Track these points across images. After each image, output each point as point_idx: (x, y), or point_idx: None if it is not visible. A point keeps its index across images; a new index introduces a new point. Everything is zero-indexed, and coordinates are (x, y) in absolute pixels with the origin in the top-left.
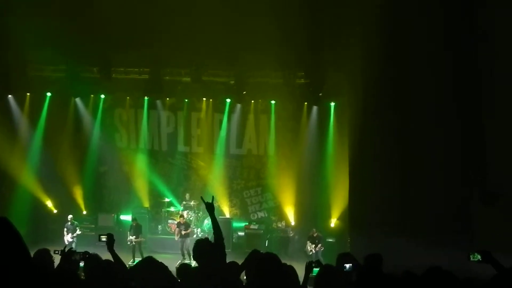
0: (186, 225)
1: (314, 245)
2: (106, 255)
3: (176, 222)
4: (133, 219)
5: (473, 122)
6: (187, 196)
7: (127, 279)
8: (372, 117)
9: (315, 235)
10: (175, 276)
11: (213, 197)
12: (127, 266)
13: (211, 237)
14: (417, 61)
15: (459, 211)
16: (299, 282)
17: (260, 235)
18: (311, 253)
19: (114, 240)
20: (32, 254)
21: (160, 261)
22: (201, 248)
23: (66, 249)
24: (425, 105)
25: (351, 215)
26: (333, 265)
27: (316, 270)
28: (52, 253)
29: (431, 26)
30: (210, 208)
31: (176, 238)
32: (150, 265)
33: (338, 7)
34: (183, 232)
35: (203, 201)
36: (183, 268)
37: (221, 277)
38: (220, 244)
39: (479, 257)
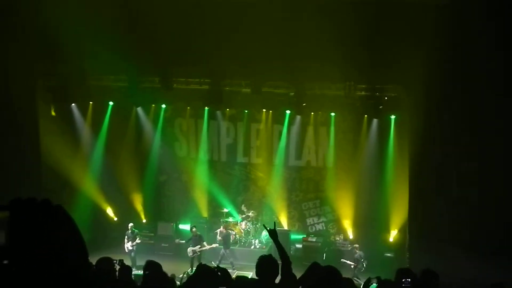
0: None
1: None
2: (165, 265)
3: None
4: (191, 227)
5: None
6: (244, 207)
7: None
8: (434, 130)
9: (356, 255)
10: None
11: (275, 222)
12: (186, 273)
13: (268, 249)
14: (479, 74)
15: None
16: None
17: (318, 248)
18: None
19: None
20: (94, 262)
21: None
22: (264, 264)
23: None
24: (490, 119)
25: (411, 230)
26: (391, 280)
27: (374, 285)
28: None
29: (493, 37)
30: (274, 234)
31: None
32: (205, 272)
33: (399, 20)
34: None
35: (266, 228)
36: (240, 279)
37: None
38: (287, 270)
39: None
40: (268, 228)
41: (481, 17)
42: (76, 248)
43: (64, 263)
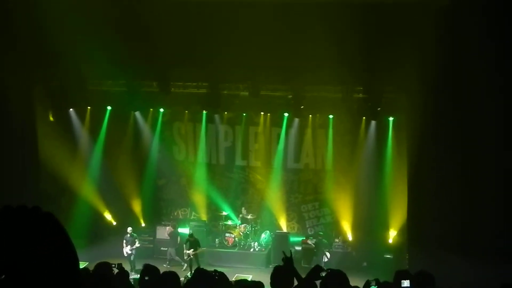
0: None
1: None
2: (164, 269)
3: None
4: (190, 235)
5: None
6: (243, 210)
7: None
8: (431, 131)
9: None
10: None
11: (291, 250)
12: (185, 278)
13: (267, 252)
14: (478, 76)
15: None
16: None
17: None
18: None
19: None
20: (93, 266)
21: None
22: (278, 275)
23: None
24: (488, 119)
25: (410, 231)
26: (390, 282)
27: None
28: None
29: (490, 41)
30: (290, 263)
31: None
32: (203, 277)
33: (397, 23)
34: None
35: (285, 255)
36: (240, 282)
37: None
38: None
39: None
40: (286, 256)
41: (481, 20)
42: (65, 258)
43: (52, 274)
